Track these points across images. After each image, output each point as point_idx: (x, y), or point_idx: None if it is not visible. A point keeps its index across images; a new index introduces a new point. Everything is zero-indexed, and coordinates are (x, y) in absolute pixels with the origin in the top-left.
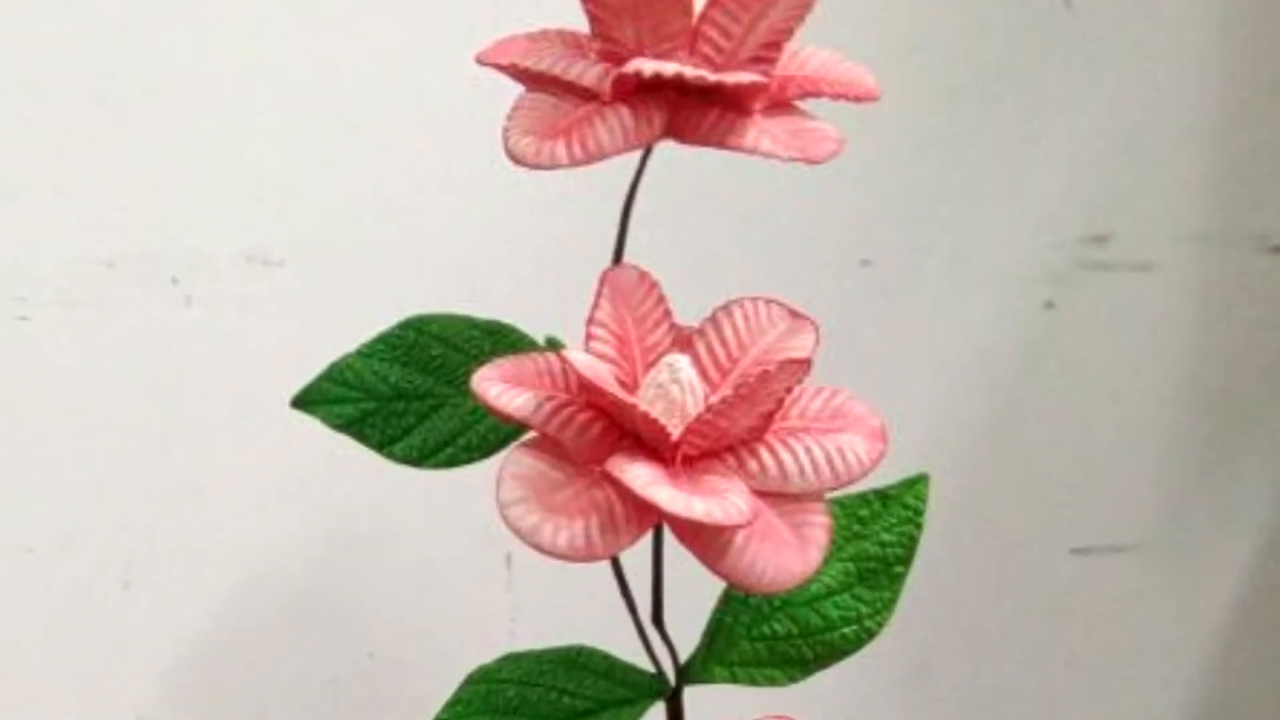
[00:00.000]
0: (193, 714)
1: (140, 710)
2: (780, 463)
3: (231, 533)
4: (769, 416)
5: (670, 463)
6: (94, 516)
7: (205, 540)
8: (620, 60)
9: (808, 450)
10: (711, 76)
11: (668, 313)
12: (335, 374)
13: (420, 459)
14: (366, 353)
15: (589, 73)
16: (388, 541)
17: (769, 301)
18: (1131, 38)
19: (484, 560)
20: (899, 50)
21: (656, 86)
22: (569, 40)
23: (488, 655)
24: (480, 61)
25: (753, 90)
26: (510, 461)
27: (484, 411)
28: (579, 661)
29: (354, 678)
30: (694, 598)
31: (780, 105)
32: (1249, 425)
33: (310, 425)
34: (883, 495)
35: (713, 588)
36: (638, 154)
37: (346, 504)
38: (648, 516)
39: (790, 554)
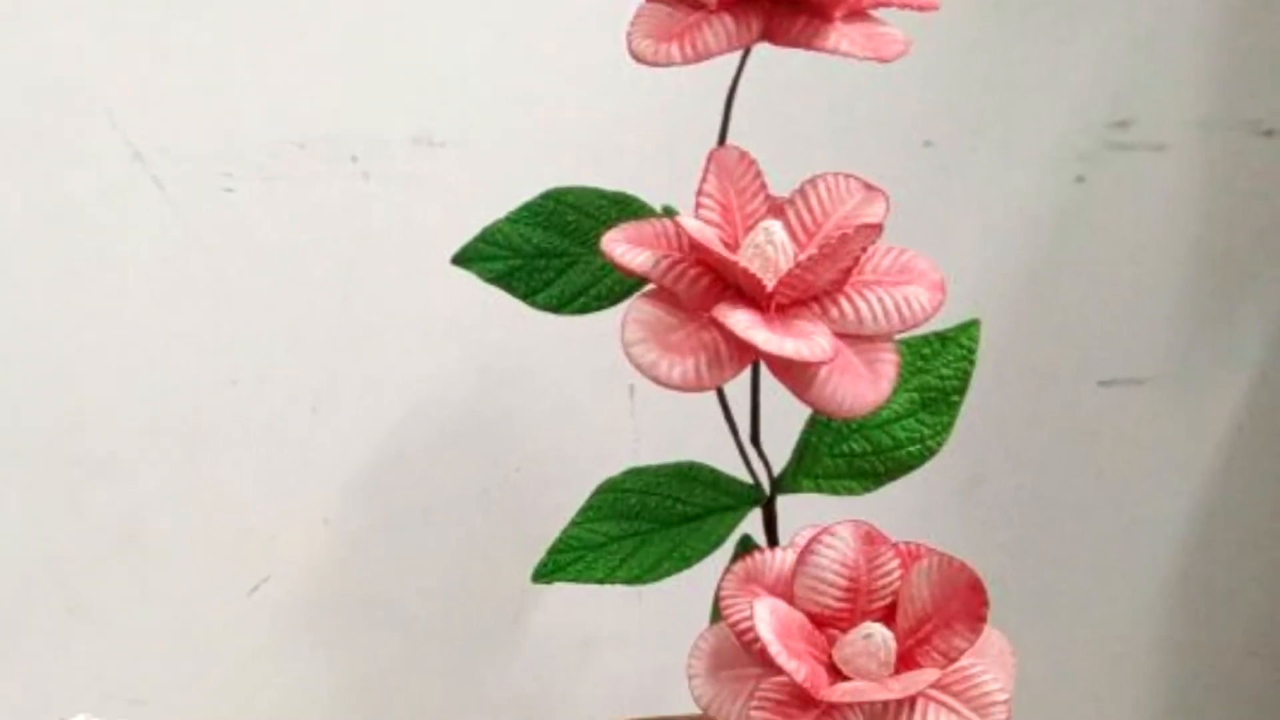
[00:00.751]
0: (369, 516)
1: (326, 514)
2: (857, 310)
3: (401, 368)
4: (847, 271)
5: (765, 310)
6: (288, 355)
7: (379, 374)
8: None
9: (879, 299)
10: None
11: (763, 185)
12: (488, 236)
13: (558, 307)
14: (514, 218)
15: None
16: (531, 375)
17: (847, 176)
18: None
19: (611, 391)
20: None
21: None
22: None
23: (614, 470)
24: None
25: (834, 1)
26: (633, 309)
27: (611, 267)
28: (690, 474)
29: (503, 489)
30: (785, 422)
31: (857, 13)
32: (1246, 279)
33: (467, 279)
34: (941, 336)
35: (800, 413)
36: (739, 54)
37: (497, 344)
38: (747, 354)
39: (865, 385)
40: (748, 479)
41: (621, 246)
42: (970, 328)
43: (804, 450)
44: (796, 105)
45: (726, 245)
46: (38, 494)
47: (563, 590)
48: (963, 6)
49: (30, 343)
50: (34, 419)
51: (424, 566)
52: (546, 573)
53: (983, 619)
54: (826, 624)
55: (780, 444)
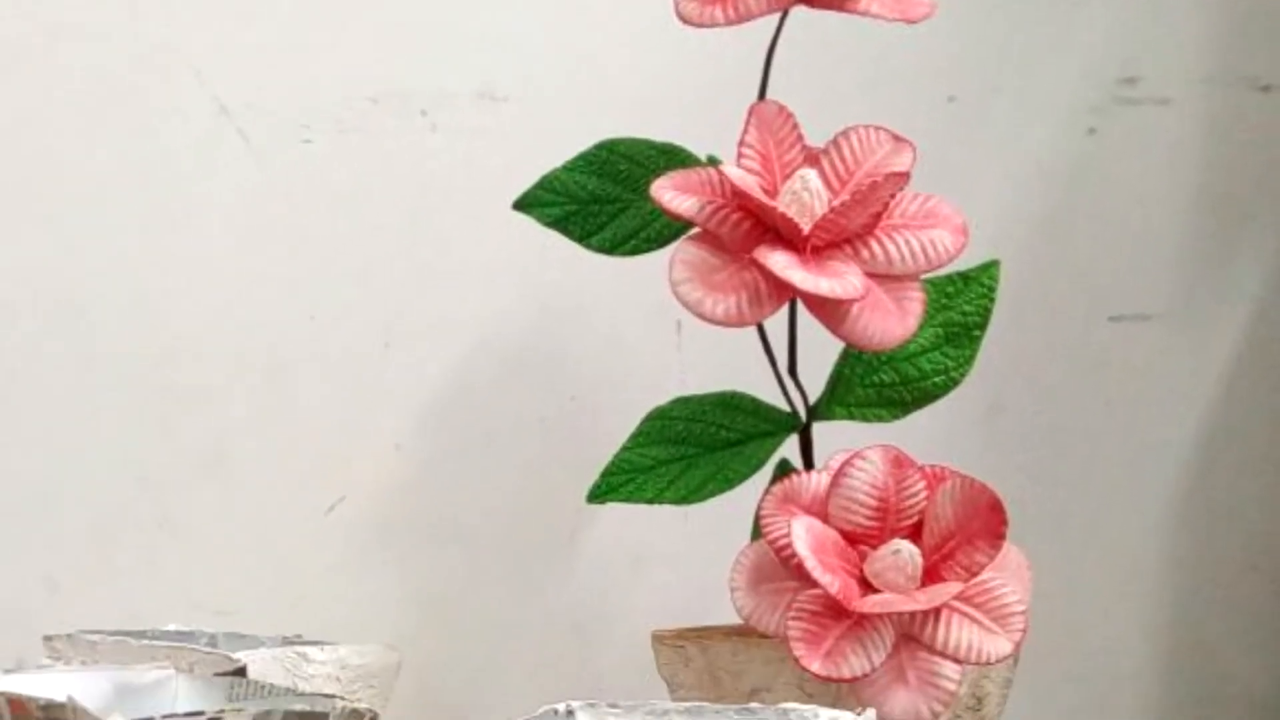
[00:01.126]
0: (436, 443)
1: (397, 440)
2: (886, 251)
3: (466, 306)
4: (877, 216)
5: (802, 251)
6: (362, 293)
7: (446, 311)
8: None
9: (907, 242)
10: None
11: (800, 137)
12: (546, 184)
13: (610, 249)
14: (570, 167)
15: None
16: (585, 312)
17: (877, 128)
18: None
19: (659, 327)
20: None
21: None
22: None
23: (662, 399)
24: None
25: None
26: (680, 250)
27: (659, 212)
28: (732, 403)
29: (559, 417)
30: (820, 355)
31: None
32: (1244, 222)
33: (527, 223)
34: (964, 276)
35: (834, 347)
36: (777, 15)
37: (554, 284)
38: (785, 292)
39: (893, 321)
40: (786, 407)
41: (669, 193)
42: (990, 268)
43: (837, 381)
44: (830, 63)
45: (766, 192)
46: (132, 420)
47: (614, 510)
48: None
49: (127, 282)
50: (129, 351)
51: (486, 488)
52: (600, 494)
53: (1002, 536)
54: (858, 541)
55: (815, 375)
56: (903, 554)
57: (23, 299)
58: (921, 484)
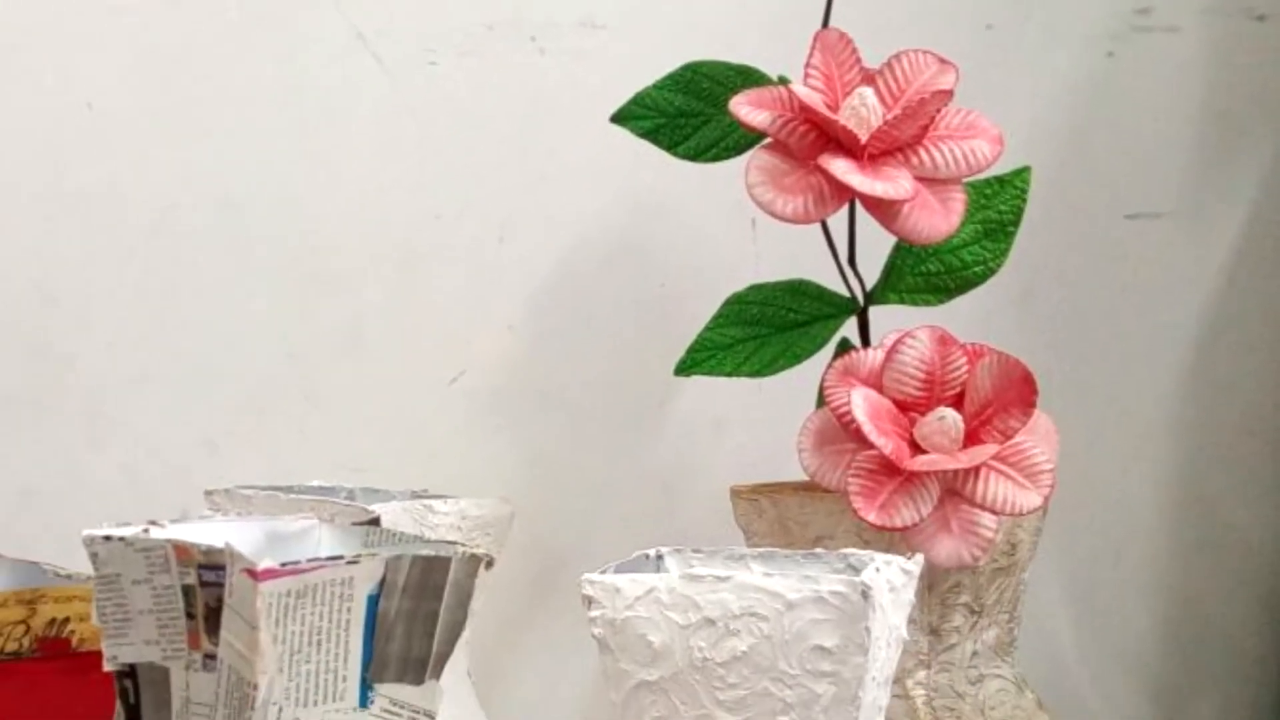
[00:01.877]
0: (543, 324)
1: (510, 321)
2: (933, 158)
3: (570, 204)
4: (925, 128)
5: (860, 159)
6: (480, 194)
7: (553, 210)
8: None
9: (950, 150)
10: None
11: (858, 60)
12: (639, 100)
13: (695, 156)
14: (660, 86)
15: None
16: (673, 211)
17: (925, 52)
18: None
19: (736, 223)
20: None
21: None
22: None
23: (739, 286)
24: None
25: None
26: (754, 157)
27: (737, 125)
28: (800, 289)
29: (650, 300)
30: (875, 248)
31: None
32: (1241, 135)
33: (623, 134)
34: (1000, 179)
35: (887, 241)
36: None
37: (646, 186)
38: (845, 194)
39: (939, 218)
40: (846, 293)
41: (746, 108)
42: (1023, 173)
43: (890, 270)
44: None
45: (829, 107)
46: (281, 305)
47: (698, 381)
48: None
49: (278, 186)
50: (280, 246)
51: (587, 363)
52: (685, 368)
53: (1033, 405)
54: (908, 409)
55: (871, 265)
56: (947, 420)
57: (189, 201)
58: (963, 359)
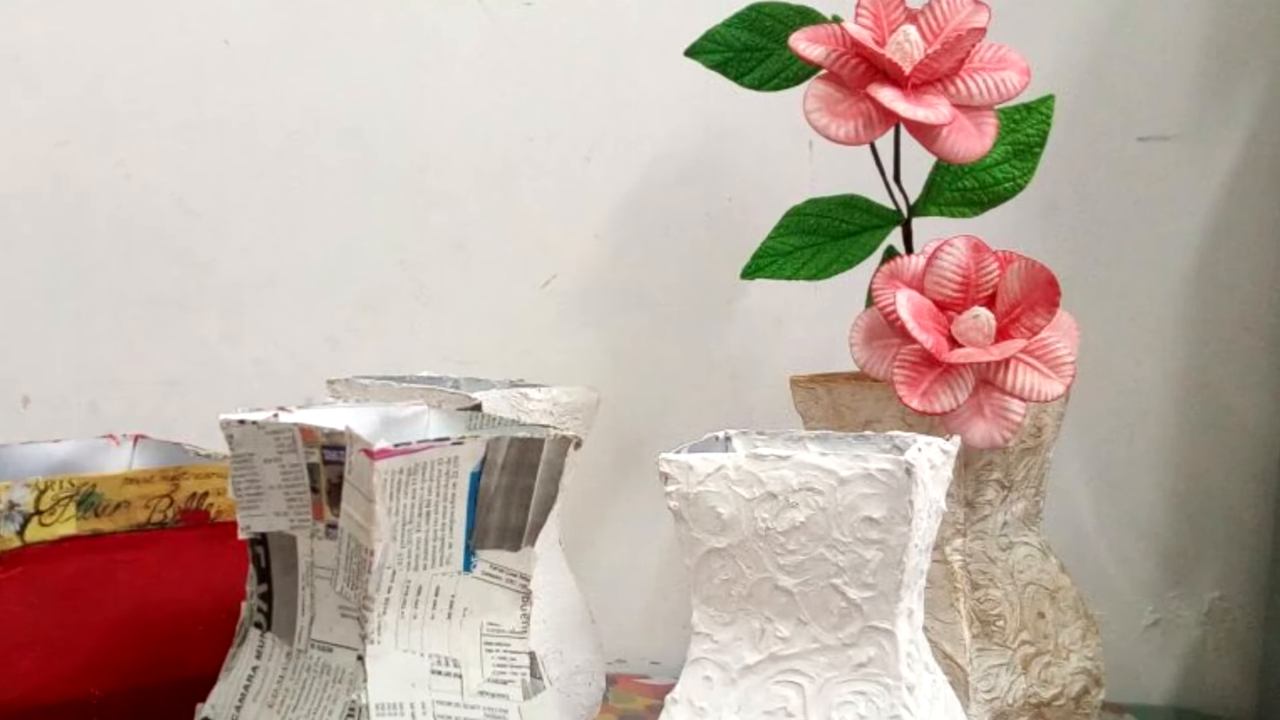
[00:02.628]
0: (625, 233)
1: (596, 230)
2: (968, 88)
3: (650, 125)
4: (961, 61)
5: (904, 88)
6: (570, 118)
7: (634, 132)
8: None
9: (984, 80)
10: None
11: (903, 1)
12: (709, 36)
13: (759, 85)
14: (727, 24)
15: None
16: (739, 134)
17: None
18: None
19: (794, 144)
20: None
21: None
22: None
23: (797, 199)
24: None
25: None
26: (811, 87)
27: (795, 58)
28: (851, 203)
29: (718, 213)
30: (917, 166)
31: None
32: (1241, 65)
33: (695, 66)
34: (1028, 106)
35: (928, 160)
36: None
37: (716, 112)
38: (891, 119)
39: (974, 140)
40: (892, 206)
41: (804, 43)
42: (1048, 100)
43: (931, 186)
44: None
45: (877, 43)
46: (395, 215)
47: (761, 283)
48: None
49: (392, 111)
50: (394, 164)
51: (665, 267)
52: (750, 271)
53: (1056, 304)
54: (946, 308)
55: (914, 182)
56: (981, 318)
57: (312, 126)
58: (995, 264)
